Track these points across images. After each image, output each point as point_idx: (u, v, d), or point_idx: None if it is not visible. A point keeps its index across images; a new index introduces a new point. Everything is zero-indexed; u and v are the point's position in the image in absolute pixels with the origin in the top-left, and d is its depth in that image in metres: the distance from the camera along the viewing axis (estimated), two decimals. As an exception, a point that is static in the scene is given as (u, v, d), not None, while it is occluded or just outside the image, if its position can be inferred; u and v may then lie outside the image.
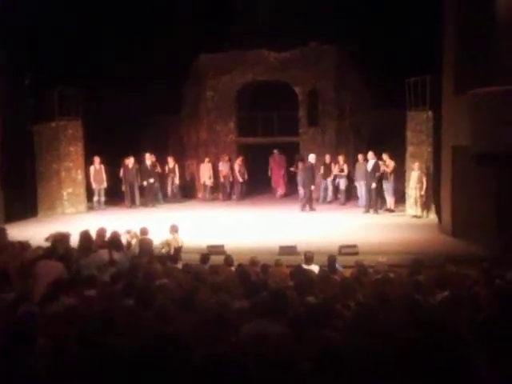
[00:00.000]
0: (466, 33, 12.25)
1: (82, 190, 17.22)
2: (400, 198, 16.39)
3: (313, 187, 16.68)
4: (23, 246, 9.05)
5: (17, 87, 15.69)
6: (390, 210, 16.17)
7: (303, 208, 16.49)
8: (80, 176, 17.17)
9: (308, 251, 9.33)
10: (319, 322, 4.97)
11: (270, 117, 19.28)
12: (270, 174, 19.42)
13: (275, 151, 19.31)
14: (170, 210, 17.16)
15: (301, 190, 18.59)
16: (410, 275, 7.90)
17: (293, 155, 18.91)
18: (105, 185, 17.29)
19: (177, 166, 18.66)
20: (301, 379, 3.65)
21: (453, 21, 12.74)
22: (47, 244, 9.35)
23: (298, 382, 3.63)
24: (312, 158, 16.79)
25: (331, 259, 8.94)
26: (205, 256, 9.50)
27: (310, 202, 16.58)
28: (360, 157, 16.83)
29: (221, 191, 19.00)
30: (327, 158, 18.00)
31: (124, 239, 9.97)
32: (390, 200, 16.29)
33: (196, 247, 11.18)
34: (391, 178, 16.14)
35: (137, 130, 18.70)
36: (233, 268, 8.76)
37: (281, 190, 19.29)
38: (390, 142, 17.08)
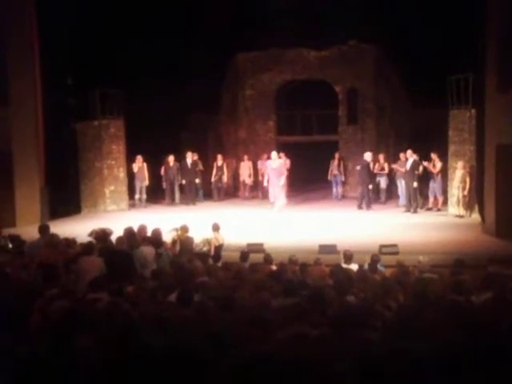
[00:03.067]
0: (510, 30, 12.01)
1: (123, 188, 17.49)
2: (444, 197, 16.15)
3: (370, 186, 16.51)
4: (69, 242, 9.25)
5: (60, 87, 16.04)
6: (438, 209, 15.93)
7: (360, 206, 16.37)
8: (122, 174, 17.45)
9: (347, 250, 9.28)
10: (359, 322, 4.94)
11: (309, 115, 19.22)
12: (266, 183, 16.86)
13: (273, 155, 16.60)
14: (209, 207, 17.29)
15: (334, 190, 18.54)
16: (452, 275, 7.78)
17: (331, 154, 18.79)
18: (146, 182, 17.54)
19: (225, 165, 18.75)
20: (338, 380, 3.64)
21: (496, 18, 12.50)
22: (89, 240, 9.55)
23: (336, 382, 3.61)
24: (368, 156, 16.58)
25: (374, 259, 8.85)
26: (244, 254, 9.55)
27: (367, 200, 16.39)
28: (401, 155, 16.63)
29: (260, 190, 19.04)
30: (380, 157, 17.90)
31: (170, 236, 10.10)
32: (437, 199, 16.05)
33: (235, 245, 11.25)
34: (438, 178, 15.89)
35: (177, 129, 18.90)
36: (272, 266, 8.78)
37: (281, 202, 16.26)
38: (431, 140, 16.85)
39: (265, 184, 16.96)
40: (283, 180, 16.28)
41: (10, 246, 9.78)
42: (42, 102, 15.26)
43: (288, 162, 18.61)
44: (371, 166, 16.90)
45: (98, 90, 16.44)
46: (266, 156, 18.84)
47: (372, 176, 16.74)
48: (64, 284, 7.05)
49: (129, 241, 9.47)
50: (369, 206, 16.38)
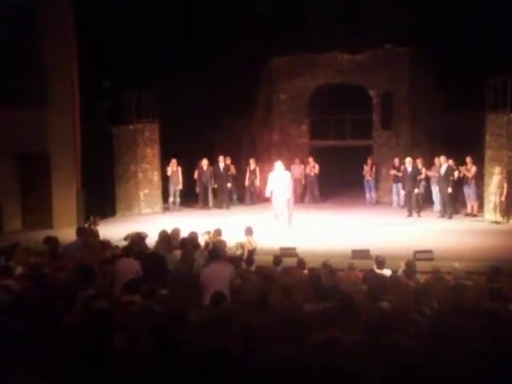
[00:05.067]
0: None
1: (158, 191, 17.66)
2: (479, 203, 15.89)
3: (403, 192, 16.24)
4: (104, 244, 9.39)
5: (96, 91, 16.28)
6: (473, 215, 15.69)
7: (410, 214, 15.99)
8: (156, 177, 17.62)
9: (379, 255, 9.19)
10: (392, 328, 4.90)
11: (343, 120, 19.15)
12: (268, 193, 14.77)
13: (277, 165, 14.57)
14: (243, 211, 17.32)
15: (367, 195, 18.38)
16: (488, 282, 7.65)
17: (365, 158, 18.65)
18: (180, 186, 17.66)
19: (258, 169, 18.74)
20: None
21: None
22: (125, 243, 9.68)
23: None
24: (408, 162, 16.16)
25: (411, 264, 8.75)
26: (277, 258, 9.54)
27: (416, 207, 16.00)
28: (436, 160, 16.42)
29: (293, 194, 18.97)
30: (396, 161, 17.66)
31: (202, 240, 10.16)
32: (472, 205, 15.79)
33: (268, 249, 11.25)
34: (472, 183, 15.65)
35: (210, 133, 19.00)
36: (306, 271, 8.76)
37: (290, 215, 14.38)
38: (467, 145, 16.60)
39: (267, 195, 14.89)
40: (289, 194, 14.34)
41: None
42: (80, 105, 15.51)
43: (317, 166, 18.61)
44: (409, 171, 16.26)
45: (133, 94, 16.63)
46: (298, 160, 18.87)
47: (413, 181, 16.07)
48: (100, 285, 7.16)
49: (163, 244, 9.57)
50: (417, 212, 15.98)
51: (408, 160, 16.24)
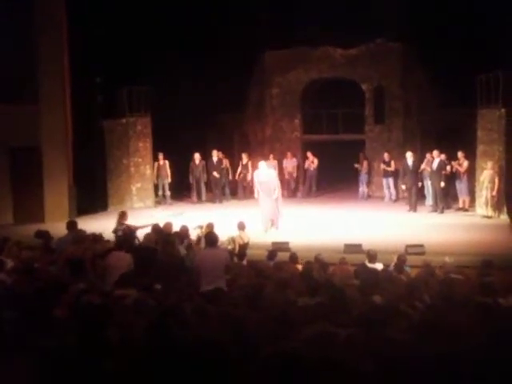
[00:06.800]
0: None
1: (150, 185, 17.63)
2: (471, 197, 15.94)
3: (403, 187, 16.21)
4: (96, 238, 9.37)
5: (89, 85, 16.22)
6: (464, 210, 15.73)
7: (411, 208, 15.91)
8: (148, 171, 17.59)
9: (370, 249, 9.22)
10: (384, 322, 4.92)
11: (335, 114, 19.15)
12: (256, 195, 13.69)
13: (261, 164, 13.58)
14: (236, 206, 17.31)
15: (360, 189, 18.38)
16: (479, 277, 7.70)
17: (358, 153, 18.69)
18: (169, 180, 17.61)
19: (250, 163, 18.69)
20: (364, 379, 3.63)
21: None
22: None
23: (362, 381, 3.61)
24: (409, 155, 15.99)
25: (401, 259, 8.78)
26: (272, 252, 9.55)
27: (409, 201, 15.96)
28: (429, 155, 16.43)
29: (285, 188, 19.01)
30: (386, 155, 17.67)
31: (195, 234, 10.16)
32: (464, 199, 15.83)
33: (261, 244, 11.25)
34: (464, 178, 15.69)
35: (203, 127, 18.96)
36: (298, 265, 8.78)
37: (278, 217, 13.46)
38: (459, 140, 16.63)
39: (256, 196, 13.83)
40: (277, 193, 13.22)
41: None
42: (71, 100, 15.45)
43: (316, 161, 18.60)
44: (410, 165, 16.02)
45: (125, 88, 16.58)
46: (291, 154, 18.86)
47: (414, 175, 15.89)
48: (91, 279, 7.14)
49: (156, 238, 9.56)
50: (412, 208, 15.91)
51: (409, 154, 16.15)
